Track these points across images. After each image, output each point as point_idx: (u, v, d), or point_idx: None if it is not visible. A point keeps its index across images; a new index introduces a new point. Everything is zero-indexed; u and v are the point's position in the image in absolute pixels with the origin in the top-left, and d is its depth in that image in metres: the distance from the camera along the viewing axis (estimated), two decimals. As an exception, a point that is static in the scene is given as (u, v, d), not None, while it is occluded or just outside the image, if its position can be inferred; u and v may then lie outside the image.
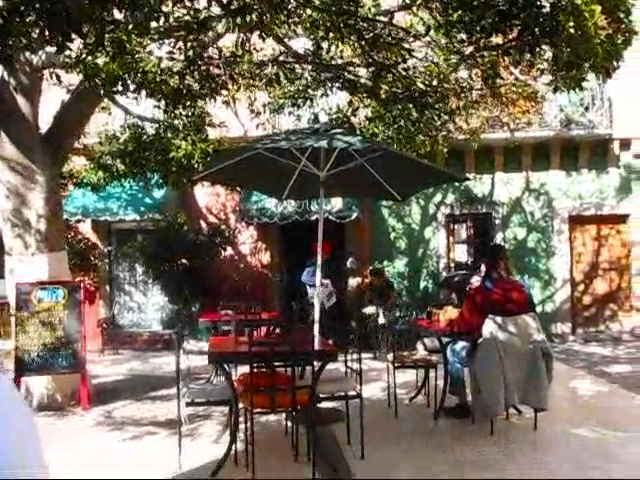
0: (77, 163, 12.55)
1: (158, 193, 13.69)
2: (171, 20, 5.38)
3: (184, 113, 8.54)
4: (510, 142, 13.64)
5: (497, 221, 14.38)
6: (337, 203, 13.19)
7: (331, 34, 5.64)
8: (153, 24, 4.74)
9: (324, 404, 6.22)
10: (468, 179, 11.97)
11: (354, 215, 13.27)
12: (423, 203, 14.49)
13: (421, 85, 7.40)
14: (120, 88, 5.78)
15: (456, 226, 14.75)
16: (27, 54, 6.53)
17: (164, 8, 4.85)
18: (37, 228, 7.93)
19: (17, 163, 7.77)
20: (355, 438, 5.70)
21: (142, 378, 9.76)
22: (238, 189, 13.93)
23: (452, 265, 14.48)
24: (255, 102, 10.57)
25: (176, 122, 9.74)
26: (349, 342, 7.38)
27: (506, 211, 14.36)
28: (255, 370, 5.68)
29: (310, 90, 9.07)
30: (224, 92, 8.51)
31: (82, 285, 8.62)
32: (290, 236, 14.32)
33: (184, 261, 13.54)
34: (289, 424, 6.17)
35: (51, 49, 5.32)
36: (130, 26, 4.51)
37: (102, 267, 14.82)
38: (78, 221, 14.15)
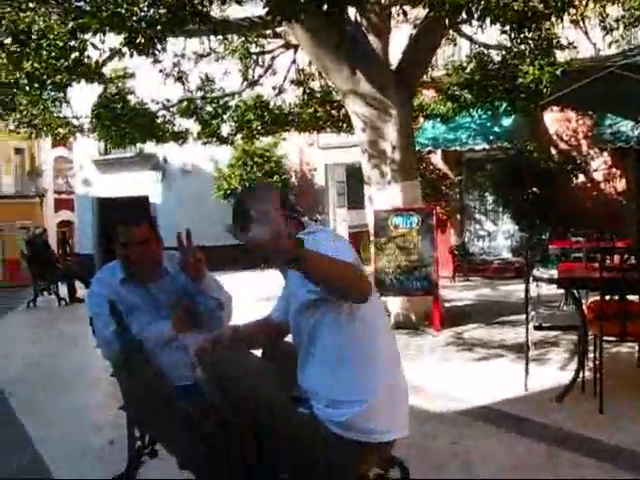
0: (427, 95, 12.95)
1: (506, 121, 13.59)
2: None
3: (529, 37, 8.30)
4: None
5: None
6: None
7: None
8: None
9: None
10: None
11: None
12: None
13: None
14: (465, 16, 5.86)
15: None
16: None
17: None
18: (392, 158, 8.42)
19: (372, 99, 8.30)
20: None
21: (491, 304, 9.98)
22: (590, 113, 13.21)
23: None
24: (607, 18, 9.86)
25: (522, 47, 9.52)
26: None
27: None
28: (606, 297, 5.49)
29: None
30: (572, 11, 8.10)
31: (434, 212, 9.02)
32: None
33: (534, 189, 13.32)
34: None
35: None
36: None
37: (453, 196, 15.23)
38: (429, 152, 14.67)
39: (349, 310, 2.34)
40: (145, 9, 5.50)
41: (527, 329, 5.57)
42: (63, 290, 13.25)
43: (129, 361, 3.30)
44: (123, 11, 5.37)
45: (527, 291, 5.56)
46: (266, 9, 5.07)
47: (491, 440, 4.41)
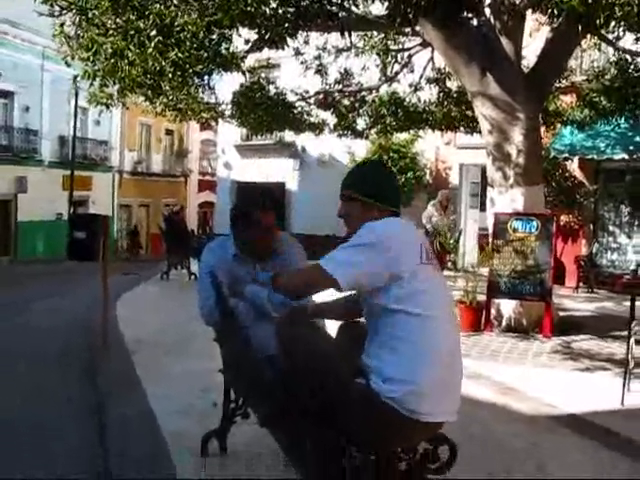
0: (565, 101, 12.67)
1: (650, 131, 13.05)
2: None
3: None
4: None
5: None
6: None
7: None
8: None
9: None
10: None
11: None
12: None
13: None
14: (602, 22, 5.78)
15: None
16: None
17: None
18: (516, 162, 8.39)
19: (500, 101, 8.30)
20: None
21: (610, 318, 9.70)
22: None
23: None
24: None
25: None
26: None
27: None
28: None
29: None
30: None
31: (555, 219, 8.92)
32: None
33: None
34: None
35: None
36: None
37: (587, 206, 14.79)
38: (566, 159, 14.32)
39: (395, 298, 2.60)
40: (274, 7, 5.87)
41: (629, 343, 5.53)
42: (195, 266, 14.04)
43: (224, 329, 3.67)
44: (252, 9, 5.77)
45: (633, 304, 5.50)
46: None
47: (572, 447, 4.45)
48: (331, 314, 3.21)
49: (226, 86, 13.67)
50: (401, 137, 17.95)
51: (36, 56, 25.48)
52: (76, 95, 22.54)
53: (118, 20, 6.23)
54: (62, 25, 6.82)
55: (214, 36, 6.48)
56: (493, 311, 8.64)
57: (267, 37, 6.01)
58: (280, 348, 2.94)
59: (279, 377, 3.05)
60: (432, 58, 12.56)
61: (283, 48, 6.50)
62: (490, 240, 8.85)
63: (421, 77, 13.14)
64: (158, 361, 6.61)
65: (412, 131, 15.72)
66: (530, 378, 6.21)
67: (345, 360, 2.76)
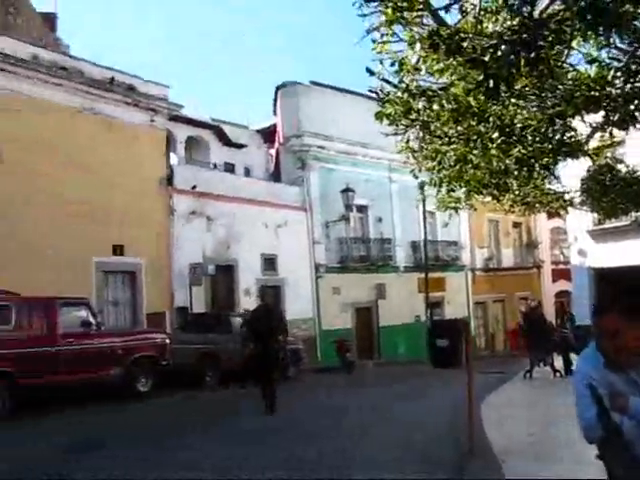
0: None
1: None
2: None
3: None
4: None
5: None
6: None
7: None
8: None
9: None
10: None
11: None
12: None
13: None
14: None
15: None
16: None
17: None
18: None
19: None
20: None
21: None
22: None
23: None
24: None
25: None
26: None
27: None
28: None
29: None
30: None
31: None
32: None
33: None
34: None
35: None
36: None
37: None
38: None
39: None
40: (619, 86, 5.49)
41: None
42: (558, 362, 13.39)
43: (609, 447, 3.30)
44: (596, 93, 5.45)
45: None
46: None
47: None
48: None
49: (570, 171, 13.18)
50: None
51: (383, 170, 27.42)
52: (423, 202, 23.55)
53: (459, 128, 6.40)
54: (407, 141, 7.23)
55: (557, 127, 6.35)
56: None
57: (615, 118, 5.68)
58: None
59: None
60: None
61: (635, 126, 6.05)
62: None
63: None
64: (529, 471, 6.25)
65: None
66: None
67: None
